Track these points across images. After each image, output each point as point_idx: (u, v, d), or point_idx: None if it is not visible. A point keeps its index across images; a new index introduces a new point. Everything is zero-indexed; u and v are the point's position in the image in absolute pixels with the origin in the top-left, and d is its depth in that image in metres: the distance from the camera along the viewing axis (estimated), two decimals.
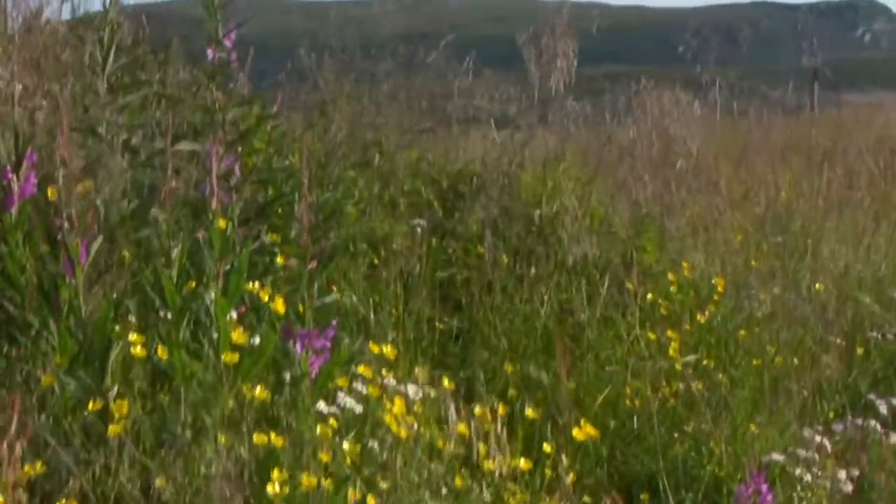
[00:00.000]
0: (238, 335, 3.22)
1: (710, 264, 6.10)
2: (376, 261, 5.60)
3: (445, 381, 3.75)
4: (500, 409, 3.63)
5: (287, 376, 3.43)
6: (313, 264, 3.43)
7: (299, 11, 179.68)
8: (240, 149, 4.66)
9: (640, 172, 7.52)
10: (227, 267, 3.30)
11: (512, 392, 4.52)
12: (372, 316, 5.04)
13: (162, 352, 3.32)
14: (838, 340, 5.44)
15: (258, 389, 3.26)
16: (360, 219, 5.66)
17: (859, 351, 5.45)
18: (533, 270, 5.52)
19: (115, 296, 3.52)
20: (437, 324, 5.32)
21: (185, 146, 4.55)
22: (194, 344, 3.41)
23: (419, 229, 5.66)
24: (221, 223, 3.32)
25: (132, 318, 3.58)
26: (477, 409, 3.63)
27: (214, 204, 3.30)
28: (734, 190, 11.33)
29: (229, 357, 3.24)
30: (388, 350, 3.72)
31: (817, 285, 5.94)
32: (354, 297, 4.98)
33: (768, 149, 15.95)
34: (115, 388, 3.33)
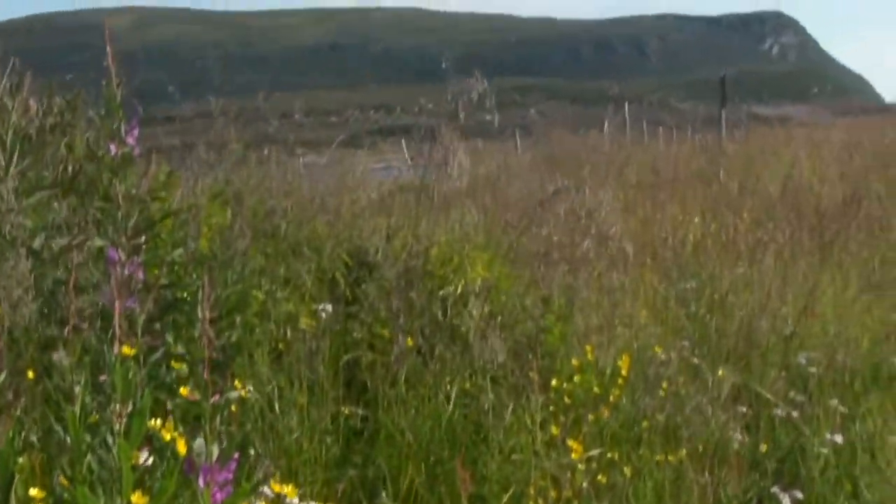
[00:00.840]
0: (138, 498, 3.22)
1: (612, 343, 6.15)
2: (281, 346, 5.61)
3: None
4: None
5: None
6: (216, 397, 3.43)
7: (211, 22, 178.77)
8: (144, 246, 4.65)
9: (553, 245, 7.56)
10: (129, 409, 3.30)
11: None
12: (277, 408, 5.05)
13: (65, 488, 3.31)
14: (740, 428, 5.53)
15: None
16: (265, 301, 5.66)
17: (763, 447, 5.52)
18: (438, 365, 5.55)
19: (18, 428, 3.49)
20: (343, 409, 5.34)
21: (93, 243, 4.55)
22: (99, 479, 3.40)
23: (324, 314, 5.68)
24: (127, 365, 3.33)
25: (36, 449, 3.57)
26: None
27: (116, 348, 3.30)
28: (644, 235, 11.49)
29: (135, 499, 3.24)
30: (288, 490, 3.75)
31: (720, 372, 5.99)
32: (257, 394, 4.98)
33: (678, 182, 16.20)
34: None
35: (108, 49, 4.87)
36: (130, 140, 4.82)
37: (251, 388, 4.95)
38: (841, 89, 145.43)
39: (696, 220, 12.00)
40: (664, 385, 5.63)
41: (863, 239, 10.80)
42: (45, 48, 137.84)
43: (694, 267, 9.64)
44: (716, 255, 10.34)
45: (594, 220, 7.79)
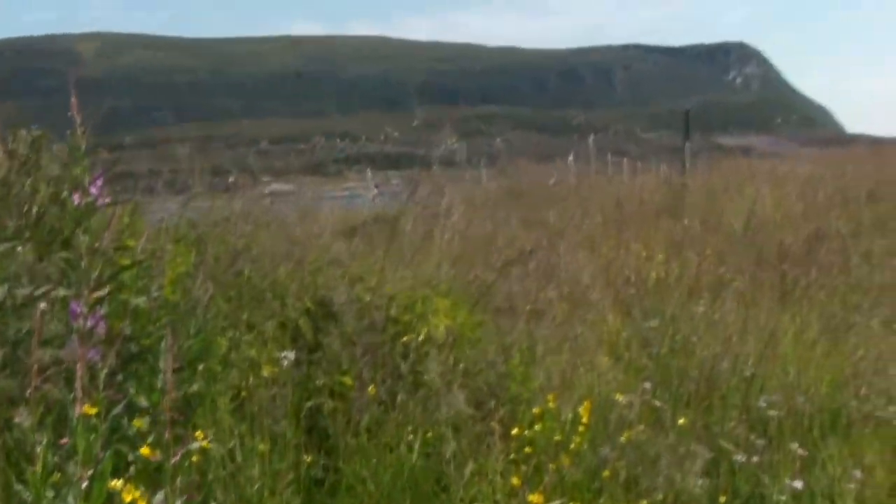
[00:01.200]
0: None
1: (574, 389, 6.18)
2: (244, 393, 5.61)
3: None
4: None
5: None
6: (176, 457, 3.45)
7: (179, 48, 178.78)
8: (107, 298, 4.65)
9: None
10: (91, 471, 3.31)
11: None
12: (238, 457, 5.05)
13: None
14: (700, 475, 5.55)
15: None
16: (229, 349, 5.66)
17: (722, 498, 5.55)
18: (400, 414, 5.56)
19: None
20: (305, 458, 5.34)
21: (57, 293, 4.56)
22: None
23: (286, 361, 5.68)
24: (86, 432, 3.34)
25: None
26: None
27: (78, 410, 3.32)
28: (608, 273, 11.54)
29: None
30: None
31: (680, 420, 6.03)
32: (219, 443, 4.98)
33: (642, 218, 16.29)
34: None
35: (73, 99, 4.89)
36: (94, 190, 4.84)
37: (212, 438, 4.95)
38: (804, 120, 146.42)
39: (660, 257, 12.06)
40: (626, 432, 5.66)
41: (824, 280, 10.88)
42: (12, 72, 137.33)
43: (657, 306, 9.69)
44: (679, 294, 10.41)
45: (557, 276, 7.85)
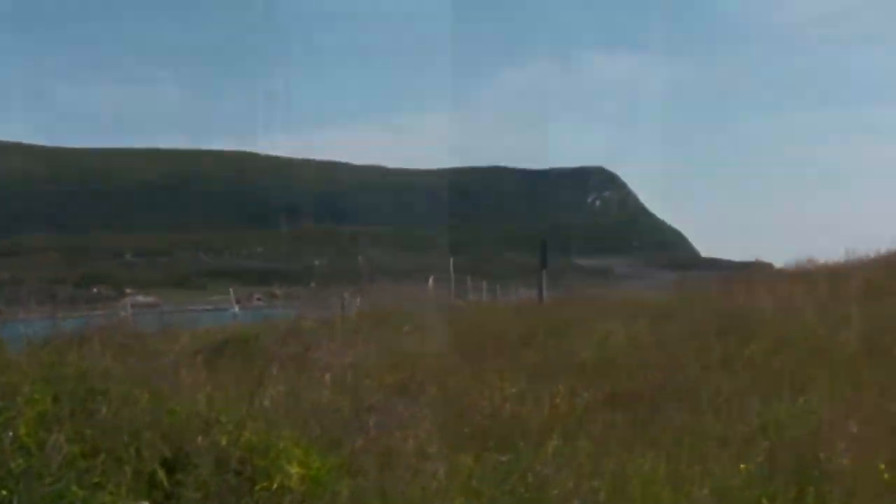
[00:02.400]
0: None
1: None
2: None
3: None
4: None
5: None
6: None
7: (43, 157, 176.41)
8: None
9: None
10: None
11: None
12: None
13: None
14: None
15: None
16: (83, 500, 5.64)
17: None
18: None
19: None
20: None
21: None
22: None
23: None
24: None
25: None
26: None
27: None
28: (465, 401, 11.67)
29: None
30: None
31: None
32: None
33: (499, 346, 16.48)
34: None
35: None
36: None
37: None
38: (660, 243, 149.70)
39: (514, 389, 12.17)
40: None
41: (673, 410, 11.12)
42: None
43: (511, 439, 9.81)
44: (533, 428, 10.57)
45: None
